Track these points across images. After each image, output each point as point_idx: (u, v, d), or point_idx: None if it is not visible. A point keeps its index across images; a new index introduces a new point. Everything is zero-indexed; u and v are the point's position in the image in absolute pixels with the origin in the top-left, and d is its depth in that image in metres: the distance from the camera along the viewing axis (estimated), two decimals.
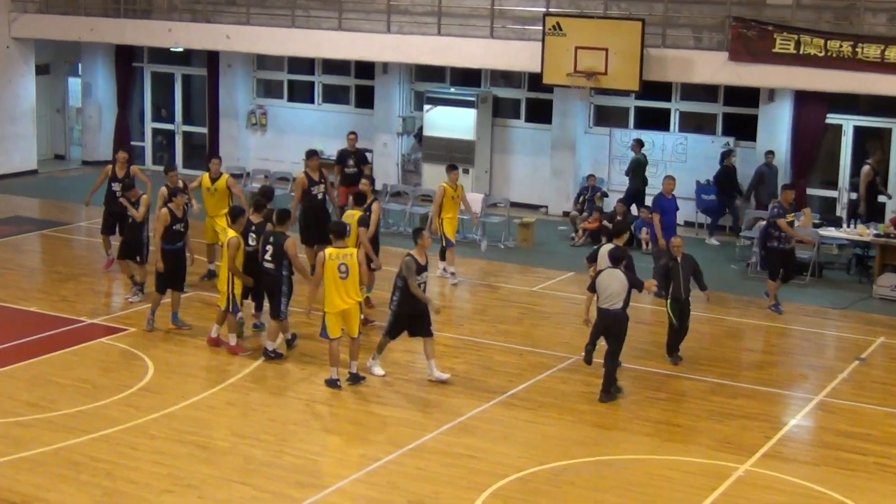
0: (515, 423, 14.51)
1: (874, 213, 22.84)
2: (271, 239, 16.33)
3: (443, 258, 20.79)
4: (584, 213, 24.80)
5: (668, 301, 16.34)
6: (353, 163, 23.02)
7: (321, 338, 15.52)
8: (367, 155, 27.89)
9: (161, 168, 31.63)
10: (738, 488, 12.70)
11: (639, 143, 25.41)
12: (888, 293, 20.37)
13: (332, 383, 15.47)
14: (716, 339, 17.98)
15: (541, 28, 24.20)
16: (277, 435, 13.86)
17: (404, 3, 27.35)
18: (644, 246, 23.53)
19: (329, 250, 15.23)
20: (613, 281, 15.11)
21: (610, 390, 15.22)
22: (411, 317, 15.38)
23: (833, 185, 24.86)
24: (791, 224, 19.16)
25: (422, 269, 15.33)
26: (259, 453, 13.29)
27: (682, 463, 13.35)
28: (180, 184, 19.02)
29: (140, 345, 16.95)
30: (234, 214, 16.74)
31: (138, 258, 19.03)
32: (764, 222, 20.58)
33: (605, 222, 24.03)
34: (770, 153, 24.01)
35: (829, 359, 17.92)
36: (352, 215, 17.97)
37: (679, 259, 16.34)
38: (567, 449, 13.64)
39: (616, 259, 15.34)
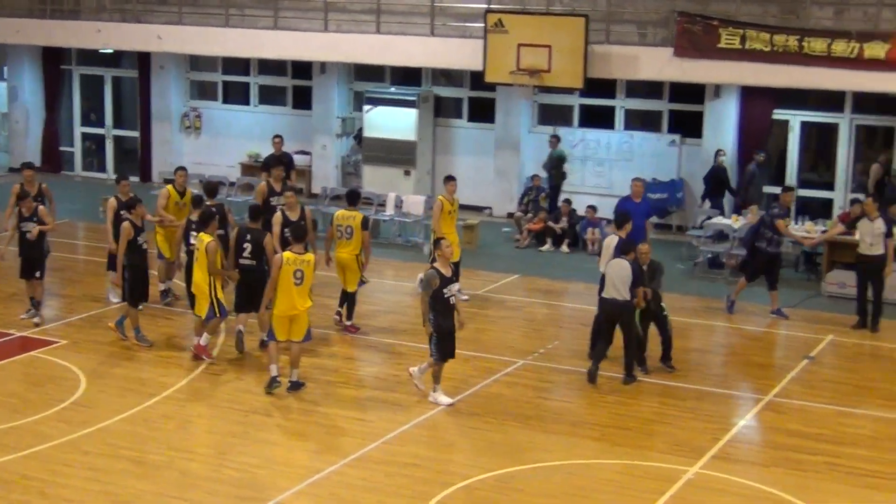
0: (461, 429, 14.55)
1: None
2: (248, 236, 16.52)
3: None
4: (529, 214, 24.92)
5: (637, 311, 16.28)
6: (278, 166, 22.44)
7: (267, 339, 15.59)
8: (306, 157, 28.01)
9: (91, 174, 31.81)
10: (687, 491, 12.79)
11: (556, 139, 25.67)
12: (837, 290, 20.64)
13: (273, 381, 15.49)
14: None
15: (482, 25, 24.32)
16: (216, 448, 13.82)
17: (342, 1, 27.36)
18: (590, 246, 23.71)
19: (287, 254, 15.25)
20: (621, 271, 15.63)
21: (631, 373, 16.01)
22: (451, 331, 15.04)
23: (780, 179, 25.13)
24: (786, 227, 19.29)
25: (448, 280, 14.85)
26: (197, 467, 13.21)
27: (631, 467, 13.43)
28: (131, 195, 18.41)
29: (72, 358, 16.77)
30: (206, 218, 16.65)
31: (38, 274, 18.13)
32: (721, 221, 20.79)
33: (549, 223, 24.22)
34: (721, 151, 24.35)
35: (779, 358, 18.14)
36: (351, 217, 17.93)
37: (645, 267, 16.36)
38: (514, 455, 13.67)
39: (623, 251, 15.97)
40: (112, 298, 18.89)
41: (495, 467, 13.29)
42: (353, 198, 18.55)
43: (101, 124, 32.13)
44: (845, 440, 14.41)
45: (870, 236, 18.57)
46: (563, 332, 18.88)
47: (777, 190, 24.62)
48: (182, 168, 20.06)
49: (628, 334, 16.02)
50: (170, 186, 19.48)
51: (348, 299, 18.22)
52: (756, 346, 18.60)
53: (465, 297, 19.16)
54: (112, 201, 18.46)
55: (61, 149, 32.04)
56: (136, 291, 17.12)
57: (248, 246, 16.48)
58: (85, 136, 32.36)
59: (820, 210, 23.83)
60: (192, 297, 17.08)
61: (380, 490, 12.69)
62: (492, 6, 25.01)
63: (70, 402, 15.13)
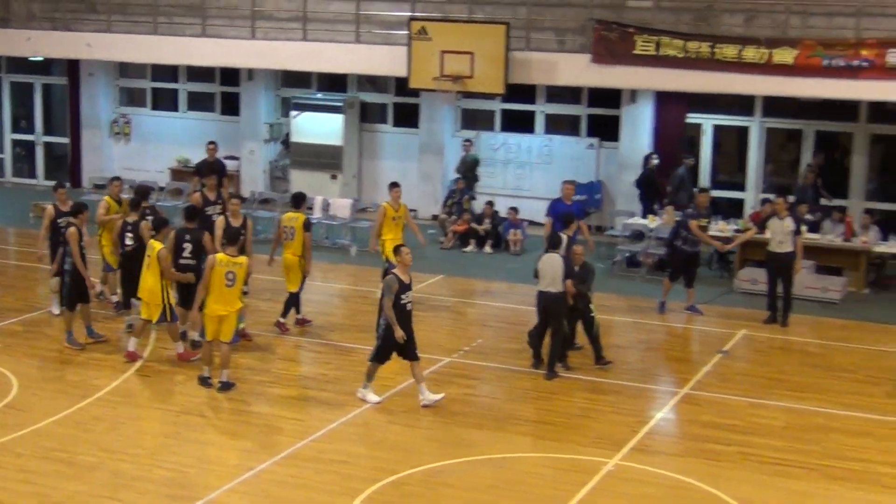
0: (389, 426, 14.51)
1: (822, 213, 22.80)
2: (188, 236, 16.49)
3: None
4: (453, 216, 24.95)
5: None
6: (208, 173, 21.84)
7: (200, 339, 15.57)
8: (235, 162, 27.82)
9: (22, 180, 31.37)
10: (608, 482, 12.87)
11: (470, 143, 25.85)
12: (748, 287, 20.91)
13: (204, 381, 15.48)
14: (584, 336, 18.16)
15: (406, 32, 24.33)
16: (147, 448, 13.65)
17: (269, 9, 27.23)
18: (512, 247, 23.80)
19: (219, 256, 15.24)
20: (553, 265, 16.00)
21: (553, 369, 16.09)
22: (410, 336, 14.82)
23: (694, 182, 25.36)
24: (704, 228, 19.36)
25: (406, 287, 14.70)
26: (128, 468, 13.03)
27: (553, 460, 13.49)
28: (69, 205, 17.94)
29: (3, 362, 16.44)
30: (158, 225, 16.48)
31: None
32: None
33: (473, 224, 24.29)
34: (653, 156, 24.52)
35: (694, 352, 18.35)
36: (294, 218, 17.97)
37: (578, 268, 16.42)
38: (441, 450, 13.69)
39: (554, 245, 16.42)
40: (55, 310, 18.41)
41: (423, 462, 13.28)
42: (297, 200, 18.66)
43: (31, 131, 31.66)
44: (757, 430, 14.57)
45: (780, 234, 18.81)
46: (487, 330, 18.92)
47: (727, 194, 24.92)
48: (117, 178, 19.80)
49: (557, 327, 16.18)
50: (107, 197, 19.05)
51: (290, 299, 18.20)
52: (673, 341, 18.82)
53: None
54: (50, 209, 18.11)
55: None
56: (74, 295, 16.89)
57: (188, 246, 16.44)
58: (15, 143, 31.90)
59: (732, 210, 24.10)
60: (126, 299, 17.14)
61: (310, 487, 12.63)
62: (415, 14, 25.03)
63: (2, 406, 14.86)
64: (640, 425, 14.60)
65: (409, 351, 14.83)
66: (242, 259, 15.41)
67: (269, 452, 13.50)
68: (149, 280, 16.11)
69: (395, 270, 14.85)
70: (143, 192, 18.43)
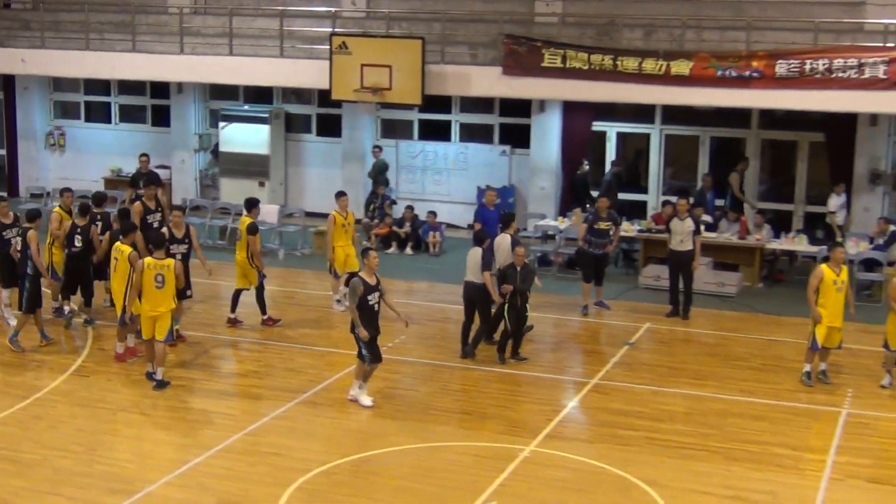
0: (317, 419, 14.48)
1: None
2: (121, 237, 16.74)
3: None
4: (376, 221, 24.92)
5: (507, 306, 16.39)
6: (144, 184, 21.28)
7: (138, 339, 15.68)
8: (166, 171, 27.53)
9: None
10: (525, 468, 12.94)
11: (379, 149, 25.86)
12: (652, 283, 21.14)
13: (149, 376, 15.49)
14: (499, 332, 18.22)
15: (328, 47, 24.22)
16: (87, 445, 13.47)
17: (196, 25, 26.99)
18: (431, 248, 23.84)
19: (148, 260, 15.21)
20: (475, 257, 16.59)
21: (467, 349, 16.74)
22: (375, 336, 14.63)
23: (622, 186, 25.54)
24: (606, 231, 19.24)
25: (372, 288, 14.51)
26: (69, 464, 12.88)
27: (473, 448, 13.53)
28: (10, 216, 17.58)
29: None
30: (127, 230, 16.35)
31: None
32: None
33: (394, 228, 24.28)
34: (584, 162, 24.79)
35: (603, 345, 18.43)
36: (242, 222, 18.18)
37: (520, 268, 16.45)
38: (368, 441, 13.68)
39: (478, 241, 16.89)
40: (11, 321, 17.82)
41: (351, 453, 13.27)
42: (246, 205, 18.84)
43: None
44: (662, 416, 14.73)
45: (681, 234, 19.03)
46: (409, 327, 18.88)
47: (630, 196, 25.08)
48: (68, 189, 19.41)
49: (484, 314, 16.72)
50: (58, 208, 18.64)
51: (235, 296, 18.39)
52: (583, 335, 18.91)
53: (342, 309, 18.79)
54: None
55: None
56: (34, 299, 16.80)
57: (79, 238, 17.23)
58: None
59: (635, 211, 24.34)
60: (66, 296, 17.72)
61: (244, 478, 12.55)
62: (336, 30, 24.95)
63: None
64: (554, 414, 14.70)
65: (373, 351, 14.69)
66: (169, 262, 15.35)
67: (204, 446, 13.41)
68: (116, 282, 16.14)
69: (361, 273, 14.70)
70: (98, 199, 18.38)
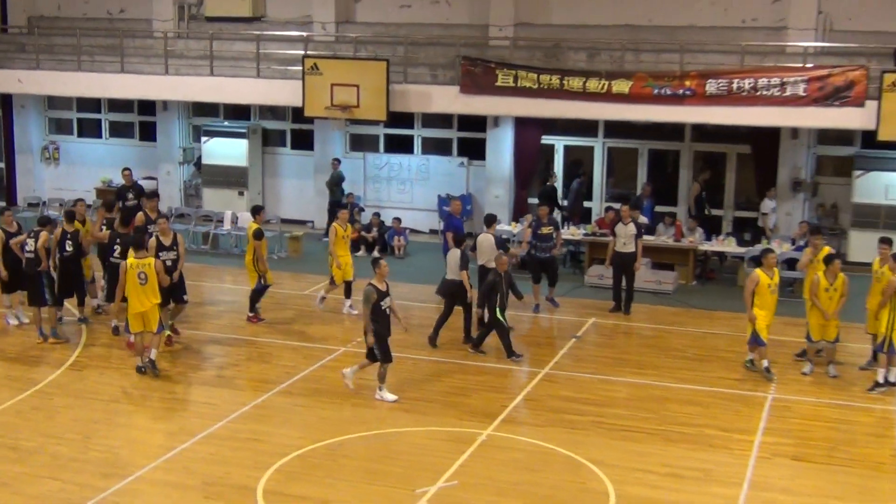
0: (294, 408, 14.45)
1: (704, 222, 22.96)
2: (118, 240, 17.06)
3: (347, 295, 19.13)
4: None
5: (497, 309, 16.28)
6: (133, 196, 21.28)
7: (125, 333, 15.72)
8: (151, 182, 27.34)
9: None
10: (483, 450, 12.98)
11: (338, 161, 25.87)
12: (596, 281, 21.23)
13: (140, 370, 15.43)
14: (459, 329, 18.23)
15: (301, 68, 24.18)
16: (81, 433, 13.37)
17: (179, 48, 26.89)
18: (397, 251, 23.84)
19: (130, 260, 15.17)
20: (455, 257, 17.05)
21: (477, 344, 16.85)
22: (386, 337, 14.49)
23: (588, 195, 25.58)
24: (549, 236, 19.17)
25: (384, 295, 14.38)
26: (65, 450, 12.79)
27: (436, 433, 13.56)
28: (15, 226, 17.40)
29: None
30: (137, 246, 15.85)
31: None
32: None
33: (363, 232, 24.25)
34: (553, 175, 24.81)
35: (552, 338, 18.48)
36: (249, 227, 18.23)
37: (503, 274, 16.43)
38: (340, 427, 13.65)
39: (457, 242, 17.59)
40: (11, 321, 17.78)
41: (324, 438, 13.25)
42: (252, 211, 18.96)
43: None
44: (606, 402, 14.81)
45: (624, 237, 19.12)
46: (323, 308, 18.93)
47: (592, 204, 25.14)
48: (80, 199, 19.31)
49: (465, 307, 17.12)
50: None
51: (251, 294, 18.46)
52: (534, 329, 18.94)
53: (355, 312, 18.54)
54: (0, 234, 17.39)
55: None
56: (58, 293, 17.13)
57: (118, 248, 16.98)
58: None
59: (582, 217, 24.44)
60: (60, 299, 17.40)
61: (226, 462, 12.51)
62: (308, 52, 24.93)
63: None
64: (509, 401, 14.73)
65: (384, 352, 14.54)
66: (150, 260, 15.31)
67: (190, 433, 13.36)
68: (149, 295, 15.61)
69: (372, 281, 14.54)
70: (108, 205, 18.89)
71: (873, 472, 12.66)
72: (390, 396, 14.65)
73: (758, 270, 15.75)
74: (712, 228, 23.04)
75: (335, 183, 25.67)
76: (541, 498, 11.69)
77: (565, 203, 24.70)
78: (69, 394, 14.86)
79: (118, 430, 13.57)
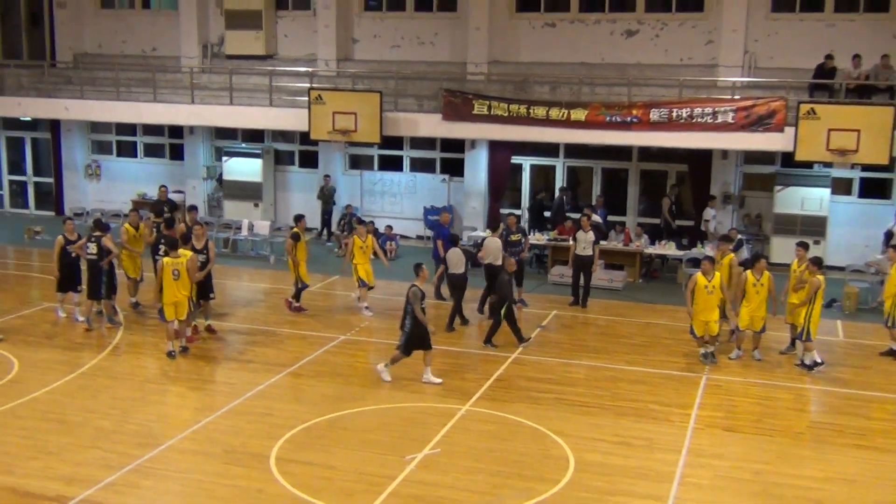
0: (301, 387, 14.44)
1: (672, 234, 22.94)
2: (163, 241, 17.08)
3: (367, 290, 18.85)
4: (345, 233, 24.82)
5: (504, 305, 16.21)
6: (168, 210, 20.95)
7: (160, 321, 15.65)
8: (179, 196, 27.27)
9: (17, 210, 30.27)
10: (462, 422, 13.01)
11: (328, 178, 25.79)
12: (558, 280, 21.26)
13: (170, 354, 15.45)
14: (441, 319, 18.22)
15: (307, 99, 24.15)
16: (121, 409, 13.32)
17: (203, 81, 26.83)
18: (389, 254, 23.79)
19: (165, 259, 15.34)
20: (458, 256, 17.57)
21: (493, 333, 16.55)
22: (420, 336, 14.27)
23: (518, 205, 25.72)
24: (518, 242, 19.00)
25: (424, 295, 14.29)
26: (107, 424, 12.74)
27: (422, 408, 13.57)
28: (75, 234, 17.19)
29: (5, 347, 15.89)
30: (173, 244, 15.93)
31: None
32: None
33: None
34: (540, 191, 24.80)
35: (521, 328, 18.45)
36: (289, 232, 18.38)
37: (512, 274, 16.53)
38: (340, 403, 13.64)
39: (453, 242, 17.91)
40: (60, 313, 17.58)
41: (326, 412, 13.24)
42: (295, 219, 19.03)
43: (23, 173, 30.51)
44: (566, 382, 14.85)
45: (584, 243, 19.14)
46: (372, 315, 18.86)
47: (515, 211, 25.15)
48: (135, 209, 19.08)
49: (458, 297, 17.69)
50: (126, 224, 18.16)
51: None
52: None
53: (370, 314, 18.41)
54: (60, 238, 17.11)
55: None
56: (113, 288, 17.18)
57: (162, 247, 17.02)
58: (11, 182, 30.67)
59: (544, 224, 24.49)
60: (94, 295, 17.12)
61: (244, 433, 12.49)
62: (313, 85, 24.89)
63: (7, 381, 14.38)
64: (484, 381, 14.75)
65: (426, 343, 14.40)
66: (183, 259, 15.38)
67: (212, 409, 13.33)
68: (181, 289, 15.53)
69: (416, 283, 14.41)
70: (157, 211, 19.48)
71: (792, 440, 12.74)
72: (436, 379, 14.47)
73: (698, 274, 15.79)
74: (655, 234, 23.05)
75: (328, 197, 25.71)
76: (511, 463, 11.71)
77: (547, 214, 24.56)
78: (110, 375, 14.80)
79: (151, 407, 13.53)
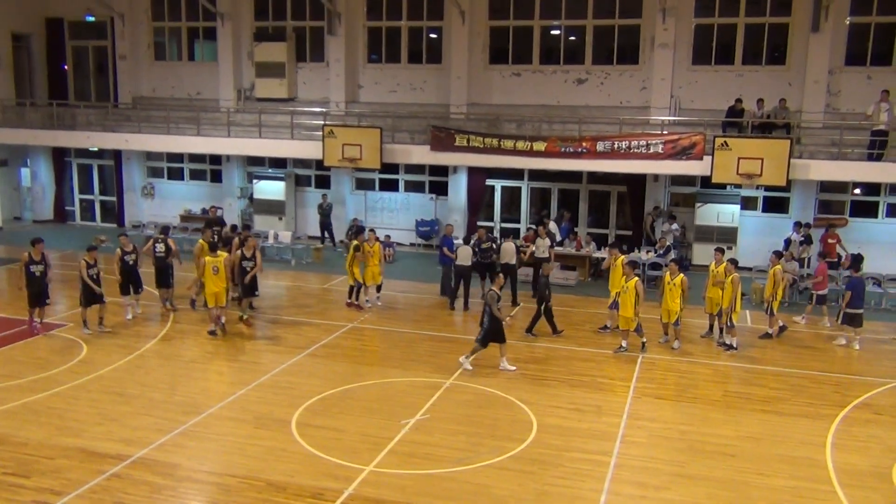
0: (316, 365, 14.34)
1: (652, 243, 22.53)
2: (159, 240, 17.16)
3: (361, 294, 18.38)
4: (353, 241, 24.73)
5: (544, 303, 15.95)
6: (218, 227, 20.53)
7: (203, 308, 15.94)
8: (220, 211, 27.08)
9: (86, 223, 30.02)
10: (447, 393, 12.96)
11: (325, 196, 25.69)
12: (523, 278, 21.08)
13: (212, 333, 15.63)
14: (433, 310, 18.19)
15: (321, 133, 24.05)
16: (170, 384, 13.22)
17: (237, 119, 26.67)
18: (387, 259, 23.69)
19: (207, 258, 15.57)
20: (467, 251, 17.81)
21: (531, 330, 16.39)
22: (496, 331, 13.93)
23: (491, 219, 25.67)
24: (489, 248, 18.88)
25: (500, 298, 14.08)
26: (159, 396, 12.64)
27: (413, 382, 13.51)
28: (130, 245, 16.80)
29: (76, 335, 15.74)
30: (214, 247, 16.00)
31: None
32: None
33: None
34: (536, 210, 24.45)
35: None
36: (350, 244, 18.15)
37: (548, 276, 16.13)
38: (348, 378, 13.59)
39: (465, 241, 18.29)
40: (128, 316, 16.92)
41: (337, 386, 13.18)
42: (357, 231, 19.07)
43: (91, 193, 30.23)
44: (531, 360, 14.79)
45: (542, 248, 19.14)
46: (374, 307, 18.77)
47: (489, 223, 25.14)
48: (209, 226, 18.51)
49: (466, 286, 18.07)
50: (201, 240, 17.46)
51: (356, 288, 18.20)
52: (479, 315, 18.73)
53: (370, 306, 18.00)
54: (118, 251, 16.64)
55: (66, 208, 30.14)
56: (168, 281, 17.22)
57: (159, 246, 17.18)
58: (82, 201, 30.38)
59: (514, 234, 24.39)
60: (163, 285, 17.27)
61: (271, 403, 12.40)
62: (326, 122, 24.79)
63: (77, 361, 14.25)
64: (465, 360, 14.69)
65: (501, 337, 14.07)
66: (220, 258, 15.60)
67: (245, 384, 13.23)
68: (220, 282, 15.63)
69: (493, 287, 14.21)
70: (211, 223, 19.46)
71: (710, 406, 12.75)
72: (511, 367, 14.14)
73: (666, 273, 15.62)
74: (600, 242, 23.02)
75: (326, 213, 25.69)
76: (486, 426, 11.67)
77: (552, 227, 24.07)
78: (161, 356, 14.70)
79: (195, 382, 13.42)
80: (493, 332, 14.00)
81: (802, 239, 20.75)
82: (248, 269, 16.35)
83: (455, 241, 18.65)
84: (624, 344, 15.33)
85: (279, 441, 11.07)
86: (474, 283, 19.05)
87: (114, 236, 19.20)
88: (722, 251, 16.29)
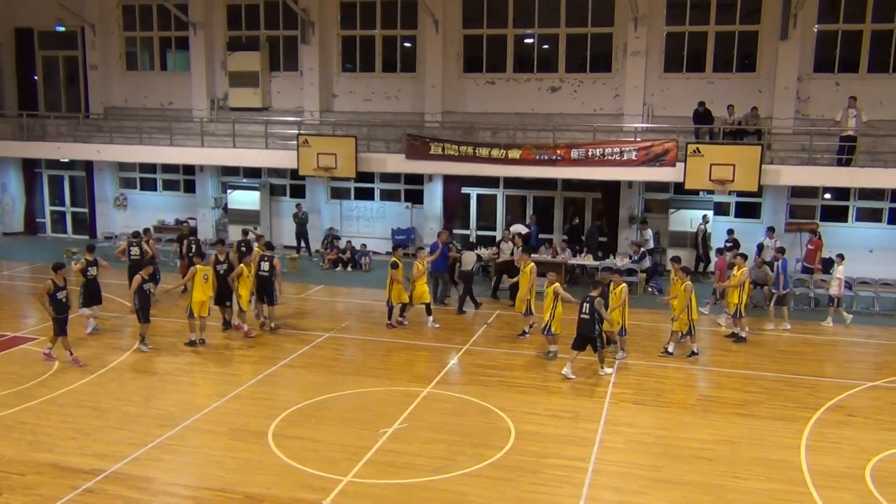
0: (293, 375, 14.26)
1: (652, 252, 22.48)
2: (265, 257, 16.96)
3: (400, 312, 17.59)
4: (328, 250, 24.72)
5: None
6: (193, 239, 19.97)
7: (188, 318, 15.72)
8: (194, 221, 26.92)
9: (57, 235, 29.64)
10: (424, 402, 12.96)
11: (299, 205, 25.69)
12: (501, 285, 21.18)
13: (191, 343, 15.56)
14: (418, 315, 18.14)
15: (296, 142, 23.98)
16: (144, 396, 13.08)
17: (211, 129, 26.51)
18: (363, 267, 23.65)
19: (199, 266, 15.57)
20: (471, 256, 18.86)
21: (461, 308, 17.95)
22: (588, 338, 14.11)
23: (466, 227, 25.72)
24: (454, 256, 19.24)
25: (607, 305, 14.25)
26: (133, 409, 12.50)
27: (391, 391, 13.50)
28: (92, 256, 16.41)
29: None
30: (242, 255, 16.60)
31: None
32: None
33: (340, 254, 24.08)
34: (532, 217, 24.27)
35: (471, 325, 18.35)
36: (392, 261, 17.31)
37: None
38: (325, 388, 13.53)
39: (466, 248, 19.25)
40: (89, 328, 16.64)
41: (313, 396, 13.12)
42: (394, 247, 18.59)
43: (63, 204, 29.88)
44: (507, 367, 14.84)
45: (508, 251, 19.24)
46: (350, 316, 18.71)
47: (464, 232, 25.20)
48: (220, 242, 17.42)
49: (468, 286, 18.74)
50: (242, 265, 16.55)
51: (390, 309, 17.50)
52: (456, 319, 18.62)
53: (437, 325, 17.49)
54: (81, 264, 16.36)
55: (37, 220, 29.76)
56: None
57: (265, 264, 16.86)
58: (52, 212, 30.00)
59: (488, 241, 24.50)
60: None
61: (247, 415, 12.32)
62: (301, 131, 24.73)
63: (49, 375, 14.05)
64: (441, 368, 14.72)
65: (594, 343, 14.22)
66: (209, 268, 15.86)
67: (221, 395, 13.14)
68: (209, 291, 15.92)
69: (593, 293, 14.27)
70: (183, 237, 19.70)
71: (684, 410, 12.86)
72: (609, 370, 14.27)
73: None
74: (577, 249, 23.11)
75: (302, 222, 25.63)
76: (463, 434, 11.67)
77: (582, 237, 23.73)
78: (136, 369, 14.53)
79: (169, 395, 13.29)
80: (583, 338, 14.13)
81: (775, 246, 20.96)
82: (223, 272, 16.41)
83: (425, 250, 18.42)
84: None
85: (256, 453, 10.99)
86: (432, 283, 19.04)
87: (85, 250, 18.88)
88: (679, 260, 16.50)
